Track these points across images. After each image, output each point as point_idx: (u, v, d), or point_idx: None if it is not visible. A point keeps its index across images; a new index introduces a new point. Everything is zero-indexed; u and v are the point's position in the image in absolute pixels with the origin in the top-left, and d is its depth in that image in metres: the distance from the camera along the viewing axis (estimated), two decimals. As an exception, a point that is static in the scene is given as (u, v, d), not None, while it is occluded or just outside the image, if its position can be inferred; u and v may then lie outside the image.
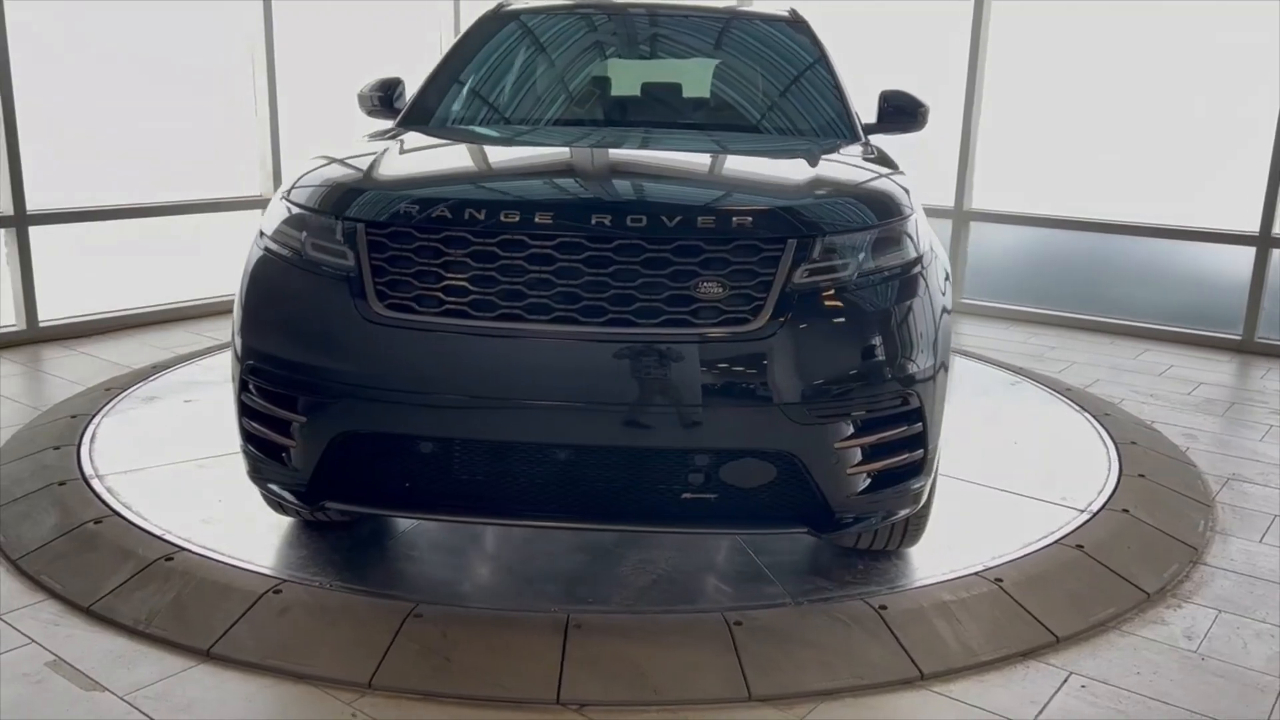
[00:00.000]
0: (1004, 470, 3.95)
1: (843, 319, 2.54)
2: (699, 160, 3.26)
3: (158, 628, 2.72)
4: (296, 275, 2.65)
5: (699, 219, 2.53)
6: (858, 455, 2.58)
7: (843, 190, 2.82)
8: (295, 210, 2.75)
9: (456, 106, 3.91)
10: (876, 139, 3.96)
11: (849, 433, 2.55)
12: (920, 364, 2.62)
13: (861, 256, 2.61)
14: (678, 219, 2.52)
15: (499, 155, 3.30)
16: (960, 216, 7.10)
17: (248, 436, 2.75)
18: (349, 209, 2.65)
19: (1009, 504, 3.62)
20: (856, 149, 3.44)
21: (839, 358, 2.53)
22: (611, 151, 3.30)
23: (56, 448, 3.83)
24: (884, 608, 2.84)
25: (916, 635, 2.76)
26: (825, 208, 2.67)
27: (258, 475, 2.76)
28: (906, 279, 2.67)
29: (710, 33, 4.20)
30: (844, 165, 3.17)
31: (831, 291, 2.54)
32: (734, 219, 2.54)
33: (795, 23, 4.20)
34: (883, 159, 3.38)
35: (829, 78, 3.93)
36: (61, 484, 3.49)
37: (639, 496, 2.57)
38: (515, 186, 2.84)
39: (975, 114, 6.96)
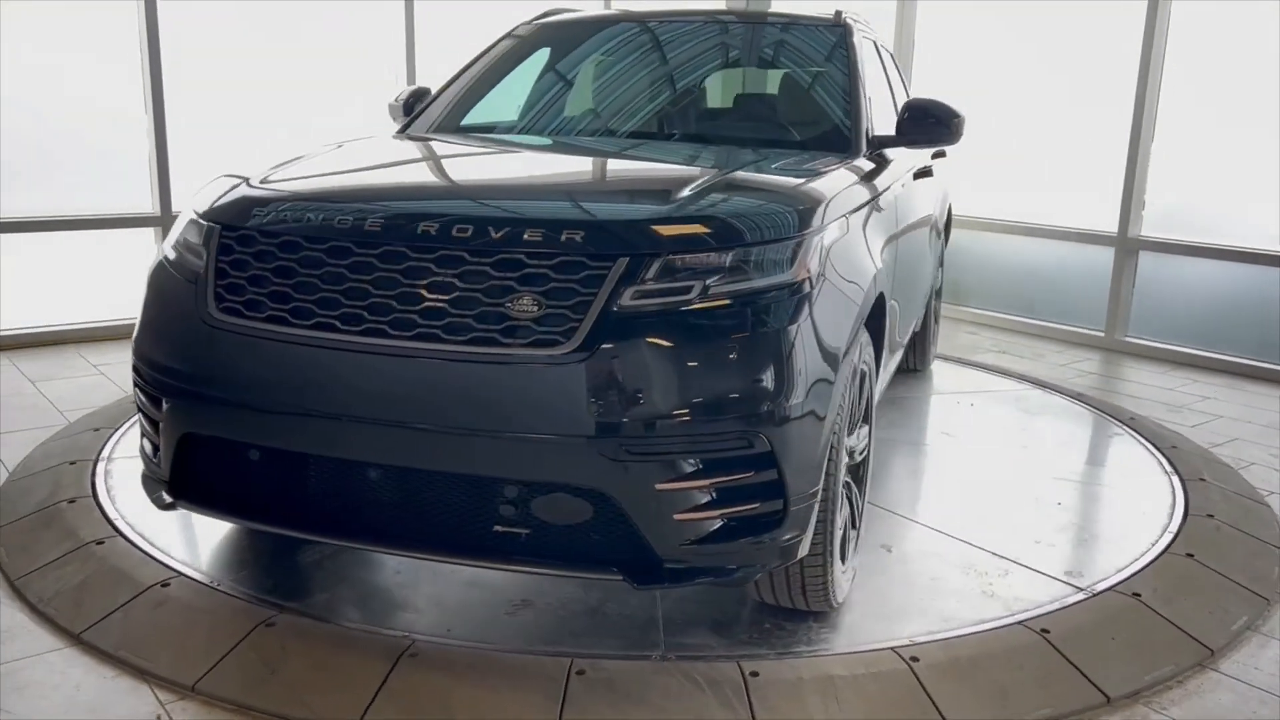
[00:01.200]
0: (1022, 534, 3.46)
1: (672, 347, 2.28)
2: (586, 173, 3.08)
3: (52, 608, 2.85)
4: (171, 278, 2.71)
5: (526, 232, 2.35)
6: (691, 500, 2.31)
7: (713, 206, 2.54)
8: (188, 215, 2.81)
9: (454, 116, 3.89)
10: (898, 153, 3.59)
11: (674, 474, 2.29)
12: (774, 402, 2.31)
13: (713, 279, 2.33)
14: (504, 231, 2.36)
15: (389, 163, 3.21)
16: (1125, 244, 6.34)
17: (141, 434, 2.84)
18: (213, 211, 2.70)
19: (997, 572, 3.16)
20: (832, 162, 3.11)
21: (661, 390, 2.26)
22: (497, 161, 3.21)
23: (97, 429, 4.13)
24: (755, 674, 2.54)
25: (779, 710, 2.44)
26: (674, 225, 2.41)
27: (146, 472, 2.84)
28: (772, 308, 2.36)
29: (736, 39, 3.96)
30: (759, 180, 2.89)
31: (663, 317, 2.29)
32: (563, 233, 2.34)
33: (834, 26, 3.88)
34: (871, 174, 3.06)
35: (847, 86, 3.60)
36: (73, 463, 3.76)
37: (448, 525, 2.42)
38: (362, 193, 2.75)
39: (1146, 127, 6.19)
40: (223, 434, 2.56)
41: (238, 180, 2.83)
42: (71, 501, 3.43)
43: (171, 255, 2.77)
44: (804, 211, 2.56)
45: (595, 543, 2.37)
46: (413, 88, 4.12)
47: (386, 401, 2.34)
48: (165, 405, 2.62)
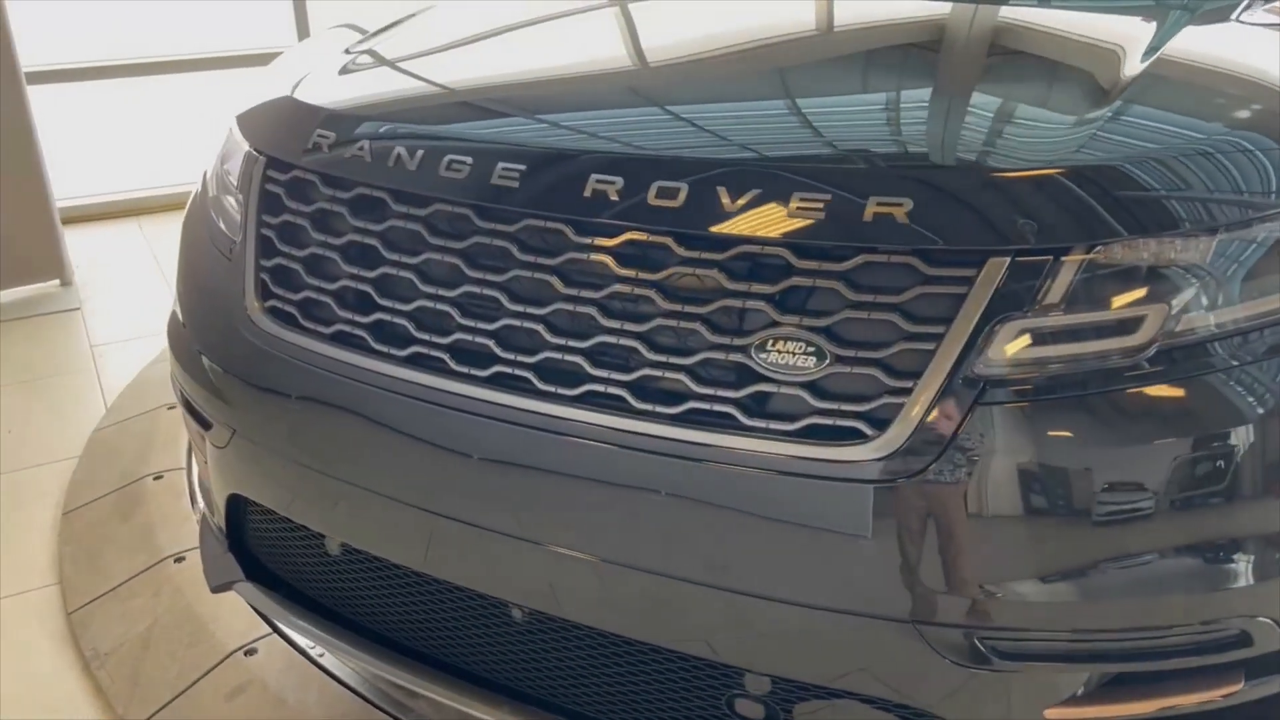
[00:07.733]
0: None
1: (1109, 453, 1.17)
2: (922, 68, 1.77)
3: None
4: (200, 236, 1.80)
5: (795, 197, 1.23)
6: None
7: (1174, 137, 1.32)
8: (232, 123, 1.84)
9: None
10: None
11: (1090, 692, 1.26)
12: None
13: (1187, 299, 1.18)
14: (750, 195, 1.24)
15: (541, 47, 1.95)
16: None
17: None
18: (252, 124, 1.72)
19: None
20: None
21: (1082, 539, 1.19)
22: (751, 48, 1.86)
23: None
24: None
25: None
26: (1095, 182, 1.20)
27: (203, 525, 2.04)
28: None
29: None
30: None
31: (1088, 389, 1.17)
32: (871, 202, 1.20)
33: None
34: None
35: None
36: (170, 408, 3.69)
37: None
38: (494, 111, 1.63)
39: None
40: (278, 509, 1.66)
41: (313, 57, 1.85)
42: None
43: (212, 191, 1.84)
44: None
45: None
46: None
47: (536, 511, 1.36)
48: (207, 442, 1.75)
